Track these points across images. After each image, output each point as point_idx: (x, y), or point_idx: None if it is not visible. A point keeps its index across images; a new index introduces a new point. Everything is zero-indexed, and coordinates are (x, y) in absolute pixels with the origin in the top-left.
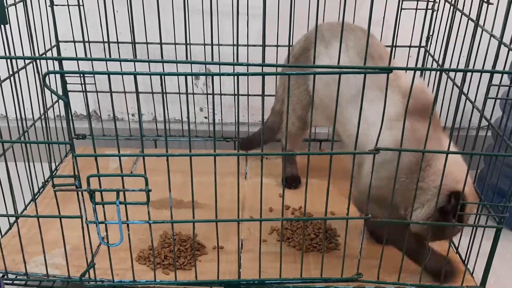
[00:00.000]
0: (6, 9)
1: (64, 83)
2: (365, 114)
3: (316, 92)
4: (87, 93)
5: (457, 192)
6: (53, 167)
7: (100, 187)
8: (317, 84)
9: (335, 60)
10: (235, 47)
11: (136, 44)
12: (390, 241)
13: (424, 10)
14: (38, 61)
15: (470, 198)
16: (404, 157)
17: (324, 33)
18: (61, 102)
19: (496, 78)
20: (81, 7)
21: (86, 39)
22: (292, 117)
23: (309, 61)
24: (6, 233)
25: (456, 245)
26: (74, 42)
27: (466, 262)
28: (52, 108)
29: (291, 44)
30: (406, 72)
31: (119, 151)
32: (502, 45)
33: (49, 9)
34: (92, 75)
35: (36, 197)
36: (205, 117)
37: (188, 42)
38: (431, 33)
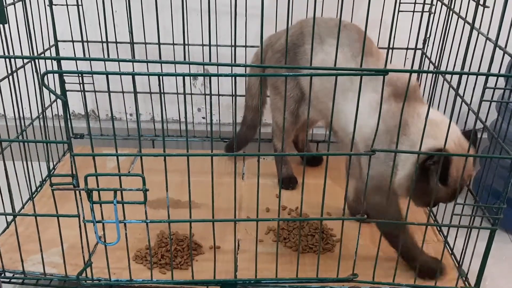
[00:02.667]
0: (5, 8)
1: (62, 83)
2: (351, 103)
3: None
4: (85, 93)
5: (439, 148)
6: (51, 166)
7: (98, 186)
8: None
9: (330, 56)
10: (233, 48)
11: (135, 44)
12: (384, 235)
13: (421, 13)
14: (36, 60)
15: (455, 158)
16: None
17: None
18: (59, 101)
19: (492, 80)
20: (80, 7)
21: (84, 39)
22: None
23: (299, 57)
24: (3, 231)
25: (451, 246)
26: (73, 41)
27: (460, 263)
28: (50, 107)
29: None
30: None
31: (116, 151)
32: (497, 48)
33: (47, 8)
34: (91, 75)
35: (33, 196)
36: (203, 118)
37: (186, 42)
38: (428, 36)
